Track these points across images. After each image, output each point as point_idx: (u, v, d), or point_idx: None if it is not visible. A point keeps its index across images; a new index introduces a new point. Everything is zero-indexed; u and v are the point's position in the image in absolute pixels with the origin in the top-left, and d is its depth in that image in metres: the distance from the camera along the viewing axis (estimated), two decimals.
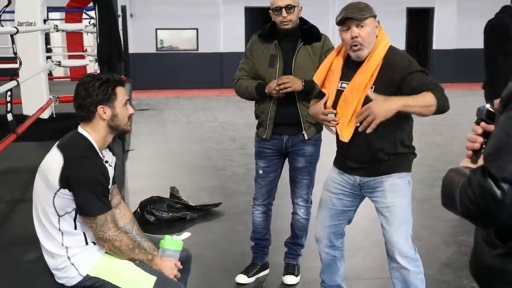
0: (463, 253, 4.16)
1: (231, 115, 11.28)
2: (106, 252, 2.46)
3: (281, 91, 3.35)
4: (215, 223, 5.01)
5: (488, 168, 1.33)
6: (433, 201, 4.72)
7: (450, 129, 9.40)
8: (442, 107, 2.57)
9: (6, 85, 3.94)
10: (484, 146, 1.51)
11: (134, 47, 15.53)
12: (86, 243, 2.45)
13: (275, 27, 3.44)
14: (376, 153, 2.80)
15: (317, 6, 15.24)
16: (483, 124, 1.53)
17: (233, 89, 3.64)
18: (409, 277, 2.85)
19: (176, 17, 16.26)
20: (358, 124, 2.59)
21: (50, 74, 8.08)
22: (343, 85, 2.82)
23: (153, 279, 2.41)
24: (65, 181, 2.31)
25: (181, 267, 2.55)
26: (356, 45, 2.72)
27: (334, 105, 2.83)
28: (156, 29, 16.45)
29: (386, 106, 2.50)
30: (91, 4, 9.12)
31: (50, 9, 8.69)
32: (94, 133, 2.45)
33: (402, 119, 2.77)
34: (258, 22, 14.28)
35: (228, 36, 16.48)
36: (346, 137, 2.77)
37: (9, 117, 4.02)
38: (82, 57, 9.82)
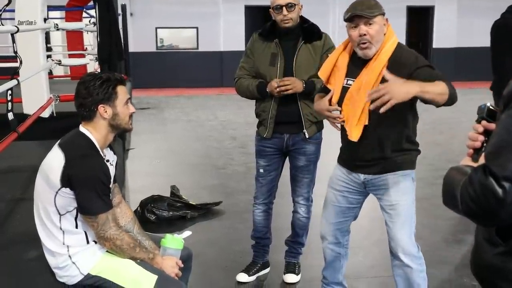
0: (463, 252, 4.16)
1: (231, 113, 11.28)
2: (107, 251, 2.47)
3: (281, 93, 3.35)
4: (216, 221, 5.01)
5: (490, 167, 1.33)
6: (433, 199, 4.73)
7: (450, 128, 9.40)
8: (452, 97, 2.54)
9: (6, 84, 3.94)
10: (485, 144, 1.51)
11: (134, 46, 15.52)
12: (87, 242, 2.46)
13: (276, 26, 3.44)
14: (382, 150, 2.79)
15: (317, 5, 15.23)
16: (484, 122, 1.53)
17: (233, 88, 3.64)
18: (411, 275, 2.85)
19: (176, 16, 16.25)
20: (369, 104, 2.50)
21: (50, 73, 8.07)
22: (349, 82, 2.80)
23: (154, 277, 2.41)
24: (67, 180, 2.31)
25: (182, 265, 2.55)
26: (364, 43, 2.69)
27: (339, 102, 2.82)
28: (156, 28, 16.44)
29: (404, 89, 2.43)
30: (91, 3, 9.13)
31: (50, 8, 8.69)
32: (95, 132, 2.45)
33: (409, 115, 2.77)
34: (258, 20, 14.28)
35: (228, 34, 16.48)
36: (355, 136, 2.76)
37: (10, 116, 4.02)
38: (83, 56, 9.82)
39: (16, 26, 4.32)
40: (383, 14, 2.74)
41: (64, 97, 5.38)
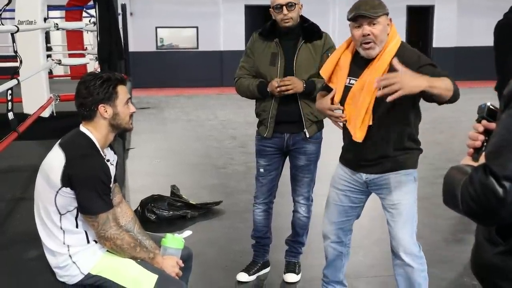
0: (463, 251, 4.16)
1: (231, 113, 11.28)
2: (107, 251, 2.47)
3: (282, 93, 3.35)
4: (216, 221, 5.01)
5: (490, 166, 1.33)
6: (433, 199, 4.73)
7: (450, 127, 9.40)
8: (456, 94, 2.53)
9: (6, 84, 3.94)
10: (485, 144, 1.51)
11: (134, 46, 15.52)
12: (88, 242, 2.46)
13: (276, 25, 3.44)
14: (385, 150, 2.79)
15: (317, 4, 15.23)
16: (484, 122, 1.53)
17: (233, 87, 3.64)
18: (412, 275, 2.85)
19: (176, 15, 16.25)
20: (378, 91, 2.44)
21: (50, 72, 8.07)
22: (352, 81, 2.79)
23: (154, 277, 2.41)
24: (67, 179, 2.32)
25: (182, 265, 2.55)
26: (367, 43, 2.68)
27: (342, 101, 2.81)
28: (156, 28, 16.44)
29: (414, 82, 2.39)
30: (91, 3, 9.13)
31: (50, 7, 8.69)
32: (95, 131, 2.45)
33: (412, 113, 2.78)
34: (258, 20, 14.28)
35: (228, 34, 16.48)
36: (359, 137, 2.75)
37: (10, 115, 4.02)
38: (83, 55, 9.82)
39: (16, 26, 4.32)
40: (387, 14, 2.72)
41: (64, 97, 5.39)
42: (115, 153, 2.65)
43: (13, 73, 4.48)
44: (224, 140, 8.69)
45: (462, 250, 4.16)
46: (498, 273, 1.49)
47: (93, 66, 9.10)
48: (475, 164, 1.46)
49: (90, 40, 10.81)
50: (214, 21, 16.52)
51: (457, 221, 4.74)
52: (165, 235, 2.61)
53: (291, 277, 3.76)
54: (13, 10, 5.74)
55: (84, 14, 10.86)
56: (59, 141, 2.47)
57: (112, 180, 2.52)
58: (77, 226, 2.43)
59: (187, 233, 2.73)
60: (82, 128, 2.47)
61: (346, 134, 2.87)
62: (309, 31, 3.44)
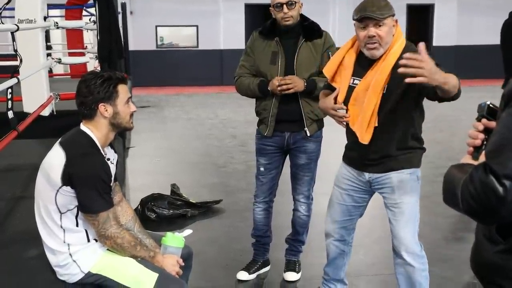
0: (463, 250, 4.16)
1: (231, 112, 11.28)
2: (108, 249, 2.47)
3: (283, 92, 3.35)
4: (216, 220, 5.01)
5: (490, 165, 1.33)
6: (433, 197, 4.73)
7: (450, 126, 9.40)
8: (459, 91, 2.53)
9: (6, 83, 3.94)
10: (485, 142, 1.51)
11: (134, 44, 15.52)
12: (88, 240, 2.46)
13: (276, 24, 3.44)
14: (389, 149, 2.79)
15: (317, 3, 15.21)
16: (484, 120, 1.53)
17: (233, 86, 3.64)
18: (413, 274, 2.85)
19: (176, 14, 16.24)
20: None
21: (50, 71, 8.06)
22: (355, 81, 2.79)
23: (155, 276, 2.41)
24: (67, 178, 2.32)
25: (183, 264, 2.55)
26: (372, 43, 2.68)
27: (345, 101, 2.81)
28: (156, 26, 16.43)
29: (436, 74, 2.33)
30: (91, 1, 9.12)
31: (50, 6, 8.69)
32: (96, 130, 2.45)
33: (416, 112, 2.78)
34: (258, 19, 14.25)
35: (228, 33, 16.47)
36: (367, 140, 2.74)
37: (10, 114, 4.02)
38: (82, 54, 9.82)
39: (16, 25, 4.32)
40: (393, 15, 2.71)
41: (64, 96, 5.38)
42: (115, 152, 2.65)
43: (13, 71, 4.48)
44: (224, 138, 8.69)
45: (462, 249, 4.16)
46: (498, 271, 1.49)
47: (93, 65, 9.09)
48: (475, 162, 1.46)
49: (90, 38, 10.80)
50: (214, 19, 16.51)
51: (457, 220, 4.74)
52: (165, 234, 2.62)
53: (291, 276, 3.76)
54: (13, 9, 5.74)
55: (84, 12, 10.85)
56: (59, 139, 2.47)
57: (113, 179, 2.52)
58: (77, 225, 2.43)
59: (187, 231, 2.73)
60: (83, 127, 2.47)
61: (350, 133, 2.87)
62: (309, 29, 3.44)
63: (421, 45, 2.27)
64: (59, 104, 5.49)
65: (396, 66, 2.67)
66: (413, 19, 17.24)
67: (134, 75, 13.76)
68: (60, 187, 2.33)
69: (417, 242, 2.87)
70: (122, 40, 7.69)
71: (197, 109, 11.91)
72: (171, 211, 4.93)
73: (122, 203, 2.67)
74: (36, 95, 5.18)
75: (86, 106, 2.43)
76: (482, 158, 1.44)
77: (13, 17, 5.84)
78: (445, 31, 17.33)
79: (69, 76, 10.35)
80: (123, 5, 12.63)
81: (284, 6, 3.31)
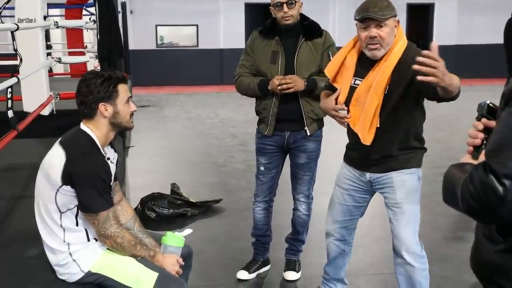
0: (463, 249, 4.16)
1: (231, 111, 11.28)
2: (107, 249, 2.47)
3: (283, 91, 3.35)
4: (216, 219, 5.01)
5: (490, 164, 1.33)
6: (433, 197, 4.72)
7: (450, 125, 9.40)
8: (459, 92, 2.52)
9: (6, 82, 3.94)
10: (485, 142, 1.51)
11: (134, 44, 15.52)
12: (88, 240, 2.46)
13: (276, 23, 3.44)
14: (391, 149, 2.79)
15: (317, 2, 15.20)
16: (484, 120, 1.53)
17: (233, 86, 3.64)
18: (413, 274, 2.85)
19: (176, 14, 16.24)
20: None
21: (50, 70, 8.07)
22: (357, 81, 2.79)
23: (155, 275, 2.41)
24: (67, 177, 2.32)
25: (183, 263, 2.55)
26: (373, 44, 2.67)
27: (347, 102, 2.81)
28: (156, 26, 16.43)
29: (444, 76, 2.27)
30: (91, 1, 9.12)
31: (50, 5, 8.70)
32: (96, 130, 2.46)
33: (417, 112, 2.78)
34: (258, 18, 14.25)
35: (228, 32, 16.47)
36: (369, 141, 2.74)
37: (10, 113, 4.02)
38: (82, 53, 9.80)
39: (16, 24, 4.31)
40: (395, 16, 2.71)
41: (64, 95, 5.38)
42: (115, 151, 2.65)
43: (13, 71, 4.47)
44: (224, 138, 8.69)
45: (462, 248, 4.16)
46: (498, 271, 1.49)
47: (93, 64, 9.08)
48: (475, 162, 1.46)
49: (90, 38, 10.79)
50: (214, 19, 16.51)
51: (457, 219, 4.74)
52: (165, 233, 2.62)
53: (291, 275, 3.76)
54: (13, 8, 5.73)
55: (84, 12, 10.85)
56: (59, 139, 2.47)
57: (113, 178, 2.52)
58: (77, 224, 2.43)
59: (187, 231, 2.73)
60: (83, 126, 2.47)
61: (351, 133, 2.87)
62: (309, 29, 3.44)
63: (434, 45, 2.18)
64: (59, 103, 5.49)
65: (397, 66, 2.67)
66: (413, 18, 17.23)
67: (134, 74, 13.77)
68: (60, 187, 2.34)
69: (417, 242, 2.87)
70: (122, 39, 7.69)
71: (197, 109, 11.91)
72: (171, 211, 4.93)
73: (122, 203, 2.67)
74: (36, 95, 5.17)
75: (86, 105, 2.43)
76: (482, 157, 1.43)
77: (13, 16, 5.84)
78: (445, 30, 17.32)
79: (69, 76, 10.35)
80: (123, 4, 12.62)
81: (284, 5, 3.31)
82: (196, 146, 8.20)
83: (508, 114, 1.37)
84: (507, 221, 1.38)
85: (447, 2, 17.36)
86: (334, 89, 2.91)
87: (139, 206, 4.87)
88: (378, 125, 2.71)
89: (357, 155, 2.89)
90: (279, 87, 3.34)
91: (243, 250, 4.11)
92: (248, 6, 16.48)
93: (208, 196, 5.39)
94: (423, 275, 2.88)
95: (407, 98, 2.69)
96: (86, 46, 10.68)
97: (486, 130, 1.52)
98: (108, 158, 2.51)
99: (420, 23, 17.54)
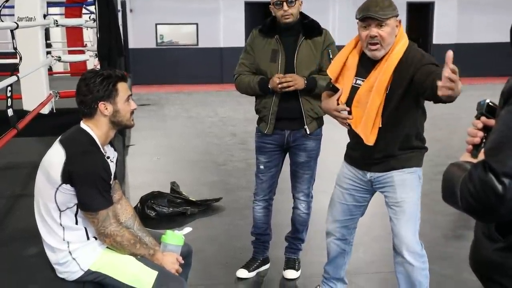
0: (463, 247, 4.16)
1: (231, 110, 11.28)
2: (107, 247, 2.47)
3: (283, 89, 3.35)
4: (216, 218, 5.01)
5: (489, 163, 1.33)
6: (433, 195, 4.72)
7: (450, 124, 9.40)
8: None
9: (6, 80, 3.93)
10: (484, 140, 1.51)
11: (134, 42, 15.51)
12: (88, 238, 2.46)
13: (276, 22, 3.44)
14: (392, 149, 2.80)
15: (317, 1, 15.20)
16: (483, 118, 1.53)
17: (233, 84, 3.63)
18: (413, 273, 2.85)
19: (176, 12, 16.23)
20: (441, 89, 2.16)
21: (50, 69, 8.06)
22: (358, 81, 2.79)
23: (154, 273, 2.42)
24: (67, 176, 2.32)
25: (182, 262, 2.56)
26: (373, 44, 2.67)
27: (348, 102, 2.81)
28: (156, 24, 16.42)
29: (459, 86, 2.18)
30: None
31: (50, 4, 8.69)
32: (96, 128, 2.46)
33: (418, 112, 2.78)
34: (258, 17, 14.27)
35: (228, 31, 16.46)
36: (372, 141, 2.74)
37: (10, 112, 4.01)
38: (82, 52, 9.79)
39: (15, 23, 4.31)
40: (397, 15, 2.70)
41: (64, 94, 5.37)
42: (115, 150, 2.65)
43: (13, 69, 4.46)
44: (224, 137, 8.69)
45: (461, 246, 4.17)
46: (497, 269, 1.49)
47: (92, 63, 9.08)
48: (474, 160, 1.46)
49: (90, 36, 10.78)
50: (214, 17, 16.50)
51: (457, 218, 4.74)
52: (165, 232, 2.62)
53: (290, 274, 3.77)
54: (13, 7, 5.73)
55: (84, 10, 10.83)
56: (59, 137, 2.47)
57: (112, 177, 2.53)
58: (76, 223, 2.43)
59: (187, 229, 2.73)
60: (83, 125, 2.47)
61: (352, 133, 2.87)
62: (309, 27, 3.44)
63: (450, 54, 1.95)
64: (59, 102, 5.48)
65: (397, 66, 2.67)
66: (413, 17, 17.23)
67: (134, 73, 13.76)
68: (59, 185, 2.34)
69: (417, 241, 2.87)
70: (122, 38, 7.68)
71: (197, 107, 11.91)
72: (171, 209, 4.94)
73: (121, 201, 2.68)
74: (35, 93, 5.17)
75: (86, 104, 2.43)
76: (481, 156, 1.44)
77: (13, 15, 5.83)
78: (445, 29, 17.33)
79: (69, 74, 10.33)
80: (123, 3, 12.61)
81: (284, 3, 3.31)
82: (196, 144, 8.20)
83: (508, 112, 1.37)
84: (506, 219, 1.38)
85: (447, 0, 17.35)
86: (335, 90, 2.91)
87: (138, 205, 4.87)
88: (381, 125, 2.71)
89: (359, 154, 2.89)
90: (279, 86, 3.34)
91: (243, 248, 4.12)
92: (248, 5, 16.48)
93: (208, 195, 5.40)
94: (423, 274, 2.88)
95: (407, 97, 2.69)
96: (86, 44, 10.66)
97: (486, 128, 1.52)
98: (108, 157, 2.51)
99: (420, 22, 17.54)
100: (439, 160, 6.23)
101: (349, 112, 2.80)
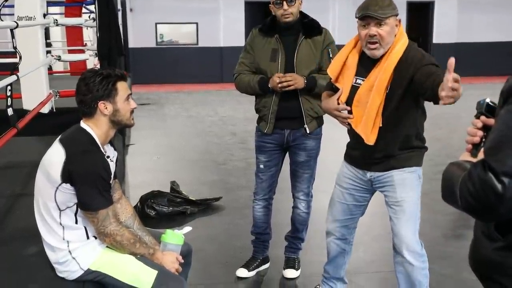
0: (463, 247, 4.16)
1: (231, 109, 11.28)
2: (107, 246, 2.47)
3: (283, 89, 3.35)
4: (216, 217, 5.01)
5: (489, 162, 1.33)
6: (432, 195, 4.71)
7: (449, 123, 9.40)
8: None
9: (6, 80, 3.93)
10: (484, 140, 1.51)
11: (134, 42, 15.51)
12: (87, 237, 2.46)
13: (276, 21, 3.44)
14: (392, 149, 2.80)
15: (317, 0, 15.19)
16: (483, 118, 1.53)
17: (233, 84, 3.63)
18: (413, 273, 2.85)
19: (176, 11, 16.22)
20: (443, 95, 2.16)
21: (50, 68, 8.06)
22: (358, 81, 2.78)
23: (154, 273, 2.42)
24: (67, 175, 2.32)
25: (182, 261, 2.56)
26: (372, 43, 2.67)
27: (348, 101, 2.81)
28: (156, 23, 16.42)
29: (460, 90, 2.18)
30: None
31: (50, 3, 8.67)
32: (96, 128, 2.46)
33: (418, 112, 2.78)
34: (258, 16, 14.25)
35: (228, 30, 16.46)
36: (372, 140, 2.74)
37: (9, 111, 4.01)
38: (82, 51, 9.79)
39: (15, 22, 4.31)
40: (396, 15, 2.70)
41: (64, 93, 5.37)
42: (115, 149, 2.65)
43: (13, 69, 4.46)
44: (224, 136, 8.69)
45: (461, 246, 4.17)
46: (497, 268, 1.49)
47: (92, 62, 9.07)
48: (474, 160, 1.46)
49: (90, 36, 10.77)
50: (214, 17, 16.50)
51: (457, 217, 4.74)
52: (165, 231, 2.62)
53: (290, 273, 3.77)
54: (13, 6, 5.73)
55: (84, 10, 10.83)
56: (59, 137, 2.47)
57: (112, 176, 2.53)
58: (76, 222, 2.43)
59: (187, 229, 2.73)
60: (83, 124, 2.47)
61: (352, 132, 2.86)
62: (309, 26, 3.44)
63: (451, 61, 1.97)
64: (59, 101, 5.48)
65: (397, 65, 2.67)
66: (413, 16, 17.23)
67: (134, 72, 13.75)
68: (59, 185, 2.34)
69: (417, 240, 2.87)
70: (122, 37, 7.68)
71: (197, 107, 11.91)
72: (171, 209, 4.94)
73: (121, 201, 2.68)
74: (35, 93, 5.17)
75: (86, 104, 2.43)
76: (481, 155, 1.44)
77: (13, 14, 5.83)
78: (445, 29, 17.32)
79: (69, 73, 10.33)
80: (123, 2, 12.61)
81: (284, 3, 3.31)
82: (196, 144, 8.20)
83: (507, 112, 1.37)
84: (506, 218, 1.38)
85: (447, 0, 17.34)
86: (335, 90, 2.91)
87: (138, 204, 4.87)
88: (381, 125, 2.71)
89: (359, 154, 2.89)
90: (279, 85, 3.34)
91: (242, 248, 4.12)
92: (248, 4, 16.47)
93: (208, 194, 5.40)
94: (423, 273, 2.88)
95: (407, 97, 2.69)
96: (85, 44, 10.66)
97: (485, 128, 1.52)
98: (108, 156, 2.51)
99: (420, 21, 17.53)
100: (439, 160, 6.23)
101: (349, 112, 2.80)
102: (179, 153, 7.65)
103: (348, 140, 3.00)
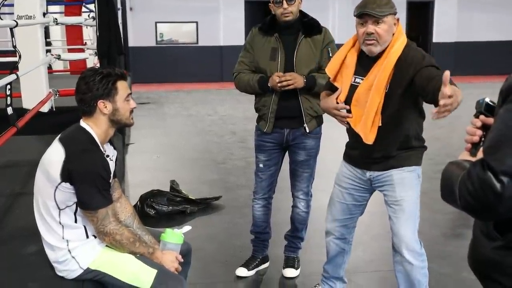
0: (462, 246, 4.16)
1: (231, 108, 11.28)
2: (106, 246, 2.47)
3: (283, 88, 3.35)
4: (215, 216, 5.02)
5: (488, 161, 1.33)
6: (432, 194, 4.70)
7: (449, 122, 9.35)
8: None
9: (5, 79, 3.93)
10: (483, 139, 1.51)
11: (133, 41, 15.50)
12: (87, 237, 2.46)
13: (276, 20, 3.44)
14: (391, 148, 2.80)
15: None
16: (482, 117, 1.53)
17: (233, 83, 3.63)
18: (412, 272, 2.85)
19: (176, 10, 16.22)
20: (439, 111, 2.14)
21: (49, 67, 8.06)
22: (357, 79, 2.78)
23: (153, 272, 2.42)
24: (67, 174, 2.32)
25: (182, 260, 2.56)
26: (369, 40, 2.67)
27: (347, 100, 2.80)
28: (156, 22, 16.41)
29: (459, 98, 2.20)
30: None
31: (50, 2, 8.67)
32: (95, 127, 2.46)
33: (417, 113, 2.78)
34: (258, 15, 14.24)
35: (228, 29, 16.45)
36: (371, 140, 2.74)
37: (9, 110, 4.02)
38: (82, 50, 9.79)
39: (15, 21, 4.31)
40: (395, 13, 2.70)
41: (64, 92, 5.37)
42: (114, 148, 2.65)
43: (12, 68, 4.46)
44: (224, 135, 8.69)
45: (460, 245, 4.17)
46: (496, 268, 1.49)
47: (92, 61, 9.07)
48: (473, 159, 1.46)
49: (90, 35, 10.77)
50: (214, 16, 16.49)
51: (456, 216, 4.74)
52: (165, 230, 2.62)
53: (290, 272, 3.77)
54: (12, 5, 5.72)
55: (84, 9, 10.82)
56: (59, 136, 2.47)
57: (112, 175, 2.53)
58: (76, 221, 2.43)
59: (187, 228, 2.73)
60: (82, 123, 2.47)
61: (351, 132, 2.86)
62: (308, 25, 3.43)
63: (447, 74, 1.90)
64: (59, 100, 5.48)
65: (396, 64, 2.67)
66: (413, 15, 17.22)
67: (133, 71, 13.75)
68: (59, 184, 2.34)
69: (417, 239, 2.87)
70: (122, 36, 7.68)
71: (196, 106, 11.90)
72: (171, 208, 4.94)
73: (121, 200, 2.68)
74: (35, 92, 5.17)
75: (85, 103, 2.43)
76: (480, 154, 1.44)
77: (12, 13, 5.83)
78: (445, 28, 17.32)
79: (69, 72, 10.33)
80: (123, 1, 12.60)
81: (284, 1, 3.31)
82: (195, 143, 8.20)
83: (506, 111, 1.37)
84: (505, 218, 1.38)
85: None
86: (334, 89, 2.91)
87: (138, 203, 4.87)
88: (380, 124, 2.71)
89: (358, 153, 2.89)
90: (279, 84, 3.34)
91: (242, 247, 4.12)
92: (248, 3, 16.47)
93: (208, 193, 5.40)
94: (422, 273, 2.88)
95: (406, 97, 2.69)
96: (85, 43, 10.66)
97: (484, 127, 1.52)
98: (108, 156, 2.51)
99: (420, 20, 17.53)
100: (439, 159, 6.23)
101: (348, 111, 2.80)
102: (179, 152, 7.65)
103: (348, 139, 3.00)
